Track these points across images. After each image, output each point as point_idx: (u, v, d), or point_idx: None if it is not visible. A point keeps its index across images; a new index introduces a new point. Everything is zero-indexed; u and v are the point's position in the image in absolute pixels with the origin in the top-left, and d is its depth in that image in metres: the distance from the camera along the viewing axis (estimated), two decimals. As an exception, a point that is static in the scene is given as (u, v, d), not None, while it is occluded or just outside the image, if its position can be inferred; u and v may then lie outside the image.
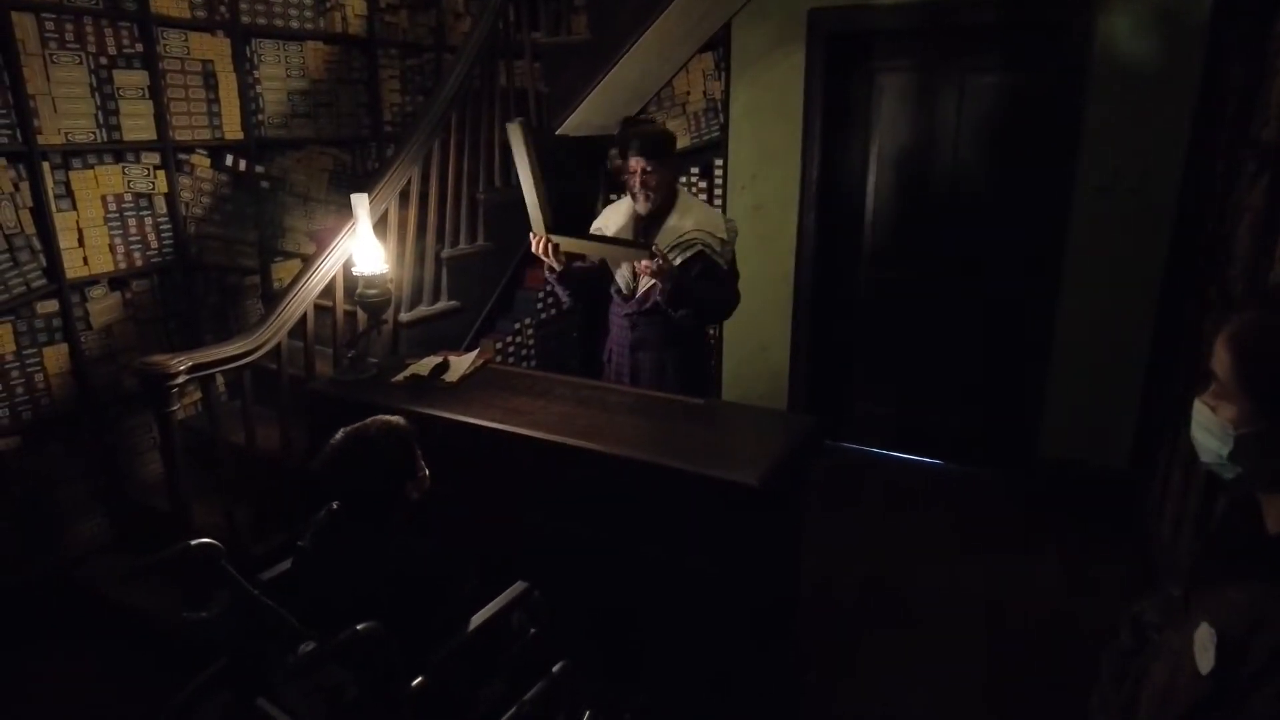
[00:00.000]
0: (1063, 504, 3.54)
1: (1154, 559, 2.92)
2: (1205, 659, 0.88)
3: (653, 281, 2.58)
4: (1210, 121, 3.05)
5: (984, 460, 3.91)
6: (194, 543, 1.72)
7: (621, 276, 2.73)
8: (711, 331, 4.23)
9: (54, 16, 2.75)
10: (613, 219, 2.78)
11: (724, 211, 4.07)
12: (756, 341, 4.21)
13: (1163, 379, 3.29)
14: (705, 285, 2.60)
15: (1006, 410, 3.79)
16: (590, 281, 2.83)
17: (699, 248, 2.59)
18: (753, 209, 4.03)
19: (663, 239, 2.60)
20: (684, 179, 4.16)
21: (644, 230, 2.69)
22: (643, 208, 2.63)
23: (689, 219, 2.63)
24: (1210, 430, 0.98)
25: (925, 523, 3.53)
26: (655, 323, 2.70)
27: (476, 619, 1.73)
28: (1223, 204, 2.71)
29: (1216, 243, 2.70)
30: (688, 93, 4.06)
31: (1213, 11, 3.03)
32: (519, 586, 1.85)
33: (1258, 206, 2.29)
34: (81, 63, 2.84)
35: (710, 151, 4.08)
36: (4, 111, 2.67)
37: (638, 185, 2.59)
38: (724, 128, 4.01)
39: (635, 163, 2.56)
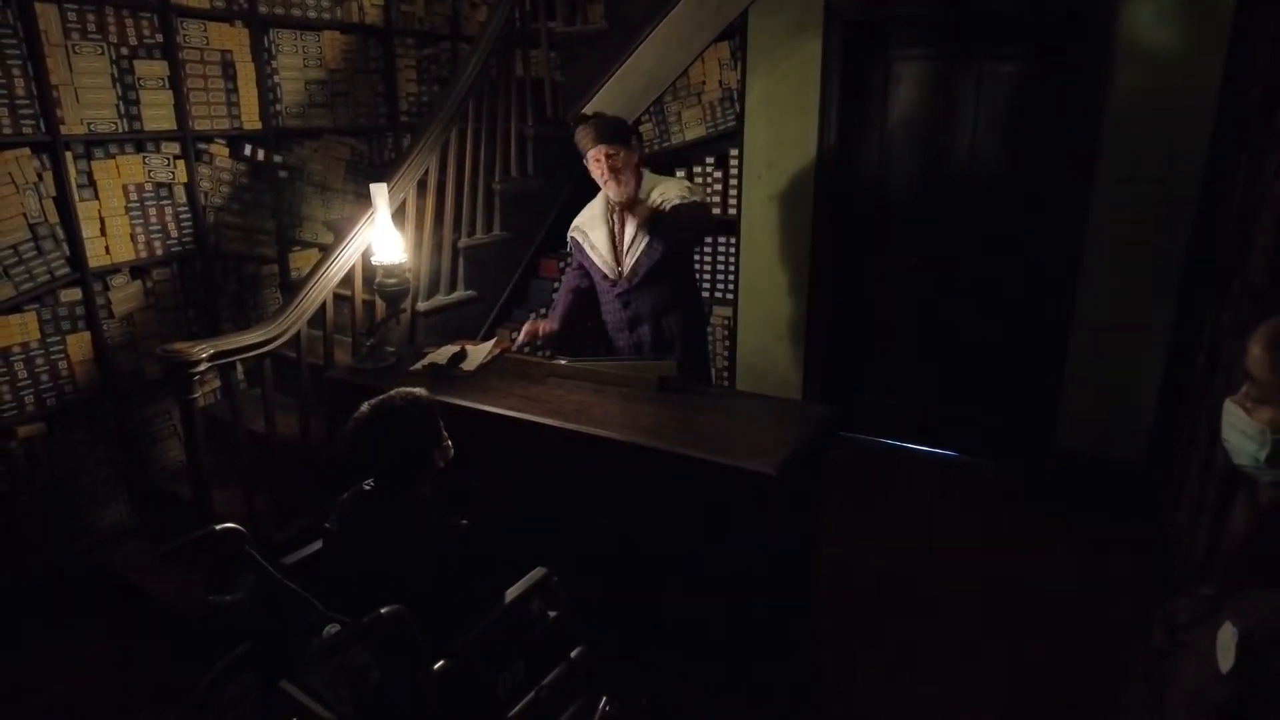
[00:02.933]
0: (1079, 496, 3.52)
1: (1171, 551, 2.90)
2: (1226, 658, 0.88)
3: (639, 254, 2.72)
4: (1234, 111, 3.02)
5: (1000, 452, 3.90)
6: (218, 527, 1.75)
7: (605, 264, 2.80)
8: (724, 321, 4.24)
9: (76, 7, 2.78)
10: (587, 216, 2.86)
11: (739, 201, 4.08)
12: (771, 330, 4.21)
13: (1182, 371, 3.26)
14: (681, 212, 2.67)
15: (1023, 402, 3.77)
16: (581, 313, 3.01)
17: (669, 207, 2.67)
18: (768, 198, 4.02)
19: (637, 218, 2.69)
20: (699, 169, 4.15)
21: (620, 217, 2.77)
22: (619, 194, 2.68)
23: (655, 192, 2.71)
24: (1246, 433, 0.96)
25: (941, 514, 3.52)
26: (645, 296, 2.80)
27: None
28: (1246, 195, 2.68)
29: (1239, 234, 2.67)
30: (703, 82, 4.05)
31: (1238, 0, 2.99)
32: (538, 572, 1.87)
33: (1281, 196, 2.27)
34: (103, 53, 2.87)
35: (726, 141, 4.07)
36: (28, 101, 2.70)
37: (607, 173, 2.64)
38: (740, 117, 4.00)
39: (598, 151, 2.62)
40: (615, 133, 2.64)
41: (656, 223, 2.63)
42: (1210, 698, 0.89)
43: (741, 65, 3.93)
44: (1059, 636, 2.71)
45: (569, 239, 2.93)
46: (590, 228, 2.84)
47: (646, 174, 2.79)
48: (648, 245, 2.71)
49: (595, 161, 2.64)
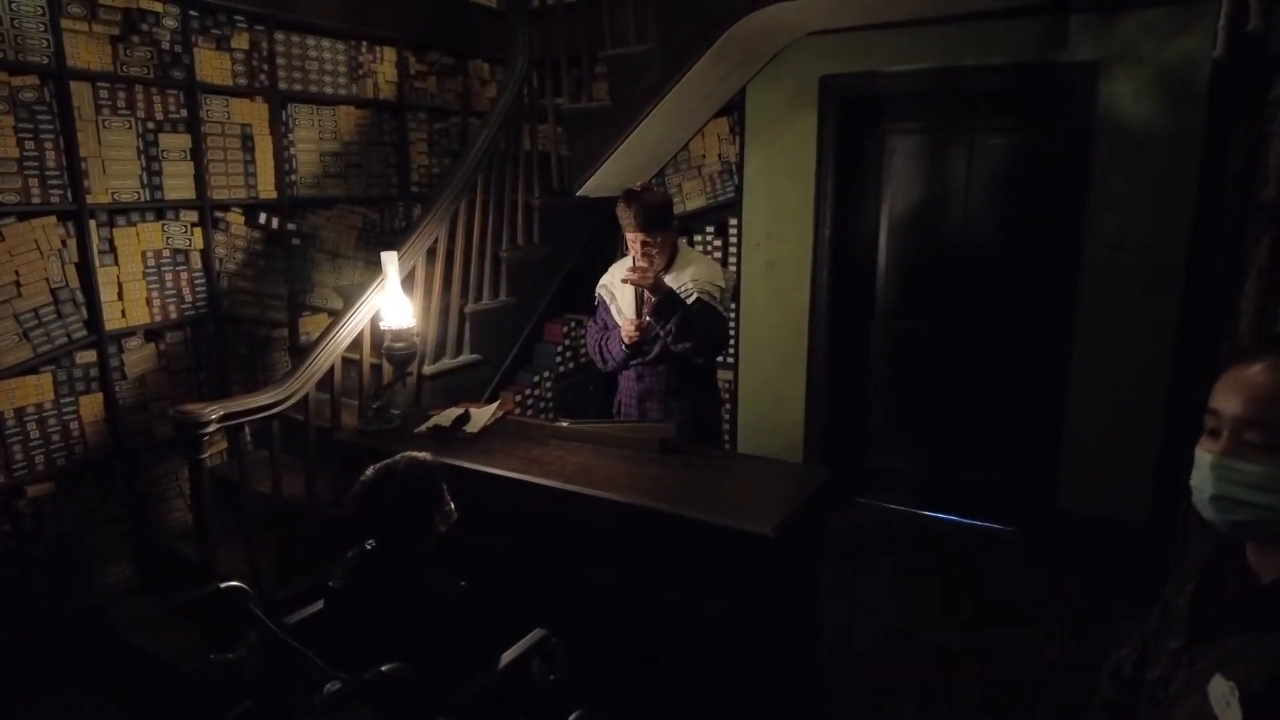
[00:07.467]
0: (1083, 557, 3.51)
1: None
2: (1231, 714, 0.86)
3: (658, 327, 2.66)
4: (1216, 181, 3.12)
5: (1001, 515, 3.90)
6: (223, 585, 1.77)
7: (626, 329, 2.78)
8: (725, 385, 4.29)
9: (108, 85, 2.92)
10: (617, 274, 2.85)
11: (739, 268, 4.17)
12: (772, 395, 4.25)
13: (1179, 431, 3.29)
14: (698, 310, 2.66)
15: (1023, 464, 3.79)
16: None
17: (696, 295, 2.68)
18: (767, 266, 4.12)
19: (654, 296, 2.66)
20: (699, 237, 4.27)
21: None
22: (643, 278, 2.64)
23: (687, 272, 2.72)
24: (1268, 487, 0.94)
25: (944, 577, 3.50)
26: (661, 373, 2.78)
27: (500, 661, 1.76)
28: (1230, 261, 2.76)
29: (1225, 299, 2.74)
30: (703, 155, 4.19)
31: (1212, 77, 3.13)
32: (537, 633, 1.88)
33: (1263, 264, 2.34)
34: (131, 127, 3.01)
35: (725, 211, 4.19)
36: (57, 172, 2.82)
37: (641, 257, 2.67)
38: (739, 188, 4.13)
39: (635, 237, 2.65)
40: (657, 219, 2.63)
41: (666, 309, 2.60)
42: None
43: (740, 139, 4.08)
44: (1063, 698, 2.67)
45: (597, 295, 2.93)
46: (618, 287, 2.83)
47: (682, 247, 2.80)
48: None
49: (633, 243, 2.67)
